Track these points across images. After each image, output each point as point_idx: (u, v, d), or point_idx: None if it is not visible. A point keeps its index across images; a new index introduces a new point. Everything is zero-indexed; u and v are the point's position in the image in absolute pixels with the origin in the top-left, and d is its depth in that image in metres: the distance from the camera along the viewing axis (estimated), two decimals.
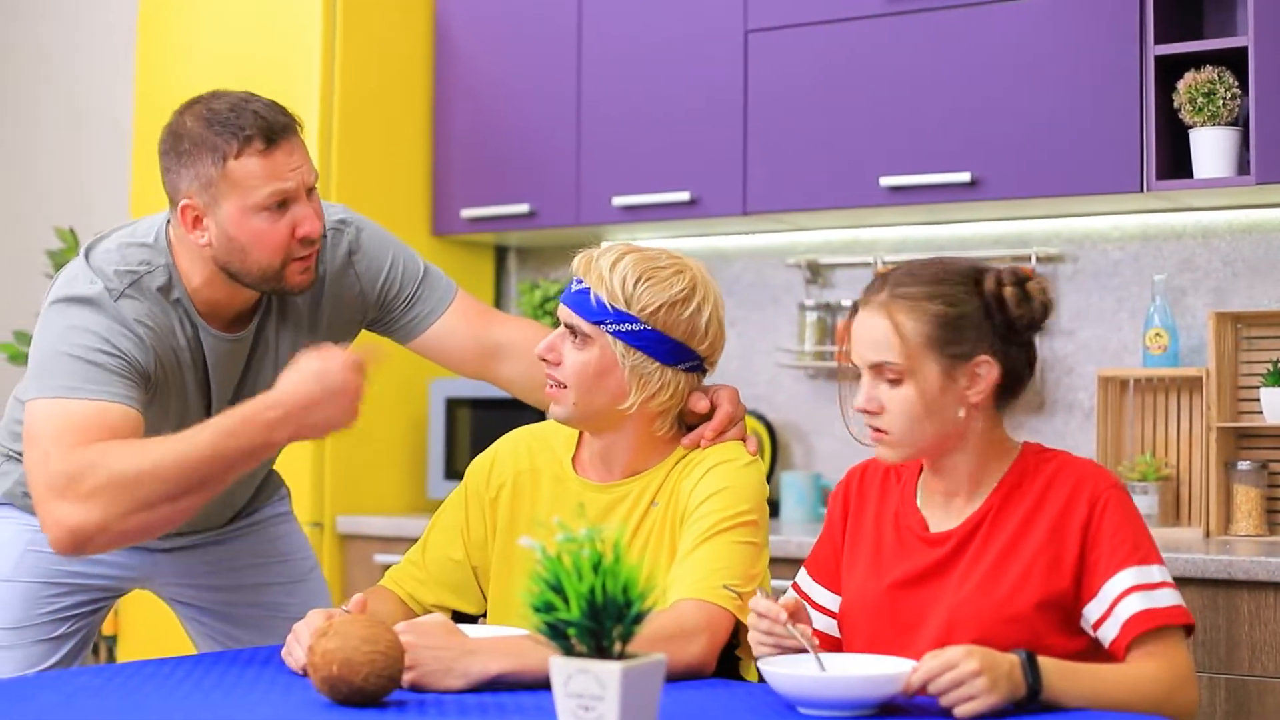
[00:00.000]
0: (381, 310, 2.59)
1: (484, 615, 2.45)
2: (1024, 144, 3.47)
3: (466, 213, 4.19)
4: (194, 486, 2.18)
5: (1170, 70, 3.34)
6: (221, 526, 2.66)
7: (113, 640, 4.41)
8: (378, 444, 4.10)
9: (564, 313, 2.31)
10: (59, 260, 4.73)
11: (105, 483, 2.13)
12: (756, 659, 2.03)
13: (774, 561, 3.32)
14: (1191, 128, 3.31)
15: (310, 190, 2.36)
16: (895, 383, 2.08)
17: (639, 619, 1.63)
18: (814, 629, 2.21)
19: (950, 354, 2.07)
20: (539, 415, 2.73)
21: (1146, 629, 2.00)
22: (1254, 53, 3.20)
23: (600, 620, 1.62)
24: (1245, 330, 3.47)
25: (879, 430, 2.11)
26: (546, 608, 1.63)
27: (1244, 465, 3.34)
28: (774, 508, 3.93)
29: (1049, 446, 2.19)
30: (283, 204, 2.31)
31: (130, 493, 2.14)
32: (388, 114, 4.16)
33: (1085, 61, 3.40)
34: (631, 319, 2.27)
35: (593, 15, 4.02)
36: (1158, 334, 3.47)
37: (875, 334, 2.09)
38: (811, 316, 3.98)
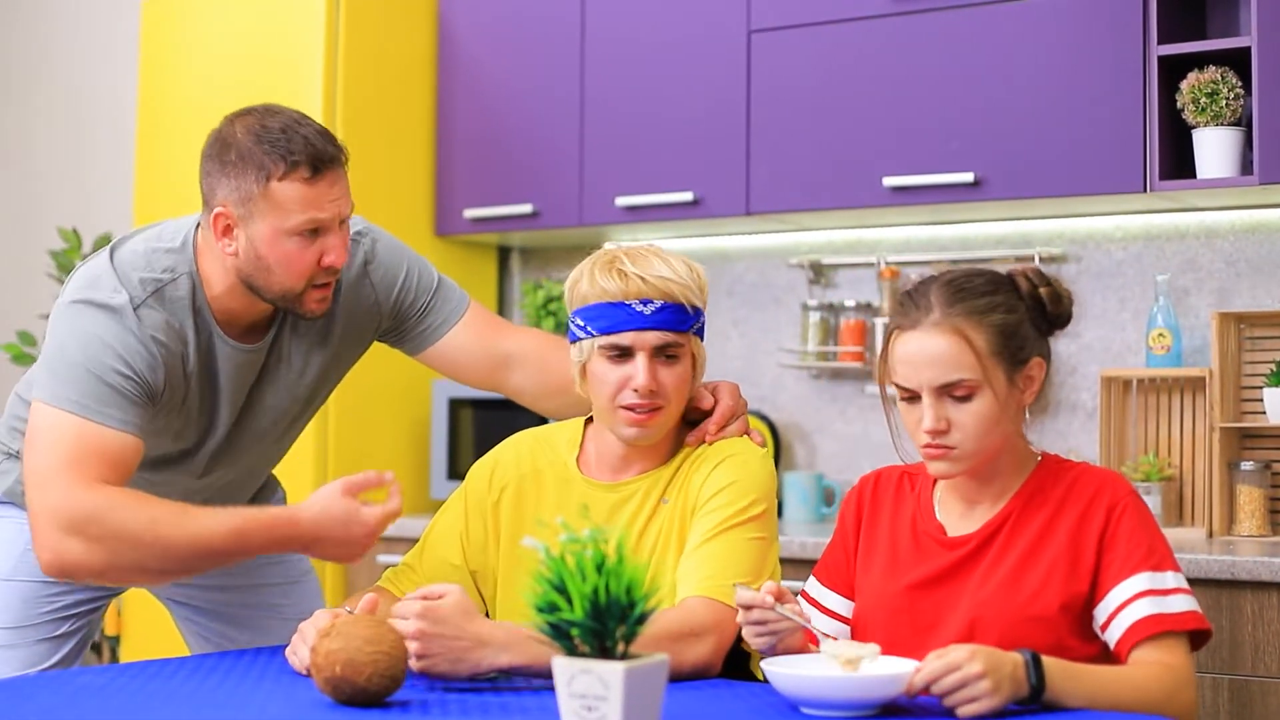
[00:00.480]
0: (395, 320, 2.60)
1: (485, 616, 2.45)
2: (1027, 144, 3.47)
3: (469, 213, 4.19)
4: (192, 567, 2.28)
5: (1173, 70, 3.34)
6: None
7: (115, 640, 4.41)
8: (381, 444, 4.10)
9: (650, 337, 2.26)
10: (62, 260, 4.73)
11: (114, 534, 2.18)
12: (752, 652, 2.03)
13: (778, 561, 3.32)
14: (1195, 128, 3.31)
15: (343, 221, 2.38)
16: (965, 398, 2.06)
17: (642, 619, 1.63)
18: (824, 634, 2.22)
19: (1016, 360, 2.09)
20: (541, 416, 2.74)
21: (1151, 634, 2.00)
22: (1257, 53, 3.19)
23: (603, 621, 1.62)
24: (1248, 330, 3.47)
25: (946, 448, 2.07)
26: (550, 608, 1.63)
27: (1247, 465, 3.34)
28: (777, 508, 3.92)
29: (1063, 456, 2.21)
30: (315, 231, 2.33)
31: (135, 553, 2.20)
32: (391, 114, 4.16)
33: (1088, 62, 3.40)
34: (701, 312, 2.33)
35: (596, 15, 4.02)
36: (1161, 334, 3.47)
37: (939, 353, 2.06)
38: (814, 317, 3.98)
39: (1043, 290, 2.12)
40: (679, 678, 2.04)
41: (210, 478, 2.54)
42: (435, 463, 4.14)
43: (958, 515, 2.17)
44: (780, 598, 2.01)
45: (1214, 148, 3.28)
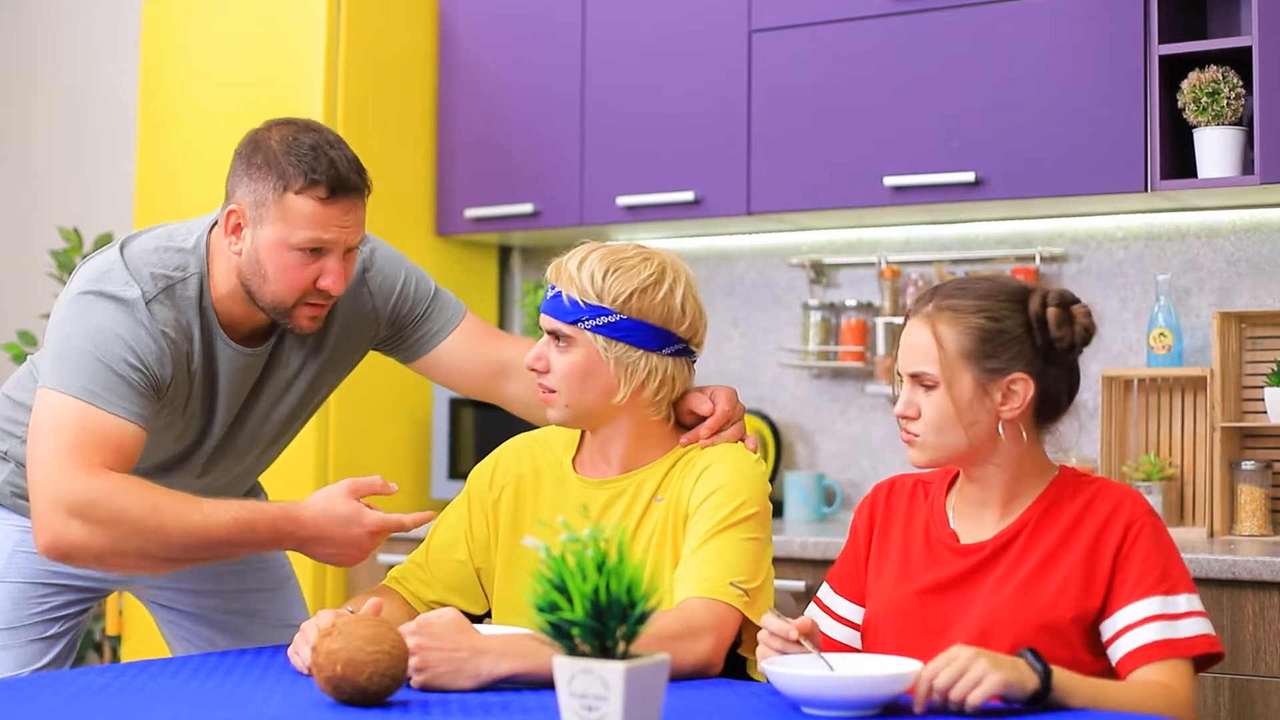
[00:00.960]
0: (393, 327, 2.62)
1: (488, 615, 2.45)
2: (1028, 144, 3.46)
3: (470, 213, 4.19)
4: (194, 556, 2.29)
5: (1174, 70, 3.34)
6: None
7: (116, 640, 4.41)
8: (382, 444, 4.10)
9: (545, 321, 2.34)
10: (62, 260, 4.73)
11: (116, 519, 2.20)
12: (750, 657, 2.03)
13: (778, 561, 3.32)
14: (1196, 127, 3.31)
15: (349, 250, 2.39)
16: (929, 390, 2.11)
17: (643, 619, 1.63)
18: (835, 640, 2.22)
19: (986, 368, 2.10)
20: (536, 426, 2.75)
21: (1155, 659, 2.00)
22: (1258, 52, 3.19)
23: (604, 620, 1.61)
24: (1249, 330, 3.47)
25: (910, 434, 2.14)
26: (550, 607, 1.63)
27: (1248, 465, 3.34)
28: (777, 508, 3.93)
29: (1063, 454, 2.22)
30: (317, 250, 2.35)
31: (136, 539, 2.21)
32: (392, 114, 4.15)
33: (1089, 61, 3.40)
34: (606, 311, 2.29)
35: (596, 15, 4.02)
36: (1162, 334, 3.47)
37: (917, 343, 2.13)
38: (815, 316, 3.98)
39: (1051, 311, 2.11)
40: (679, 678, 2.04)
41: (206, 479, 2.55)
42: (436, 463, 4.14)
43: (971, 524, 2.18)
44: (809, 635, 2.01)
45: (1215, 147, 3.28)
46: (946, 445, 2.12)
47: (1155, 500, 3.40)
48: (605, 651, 1.63)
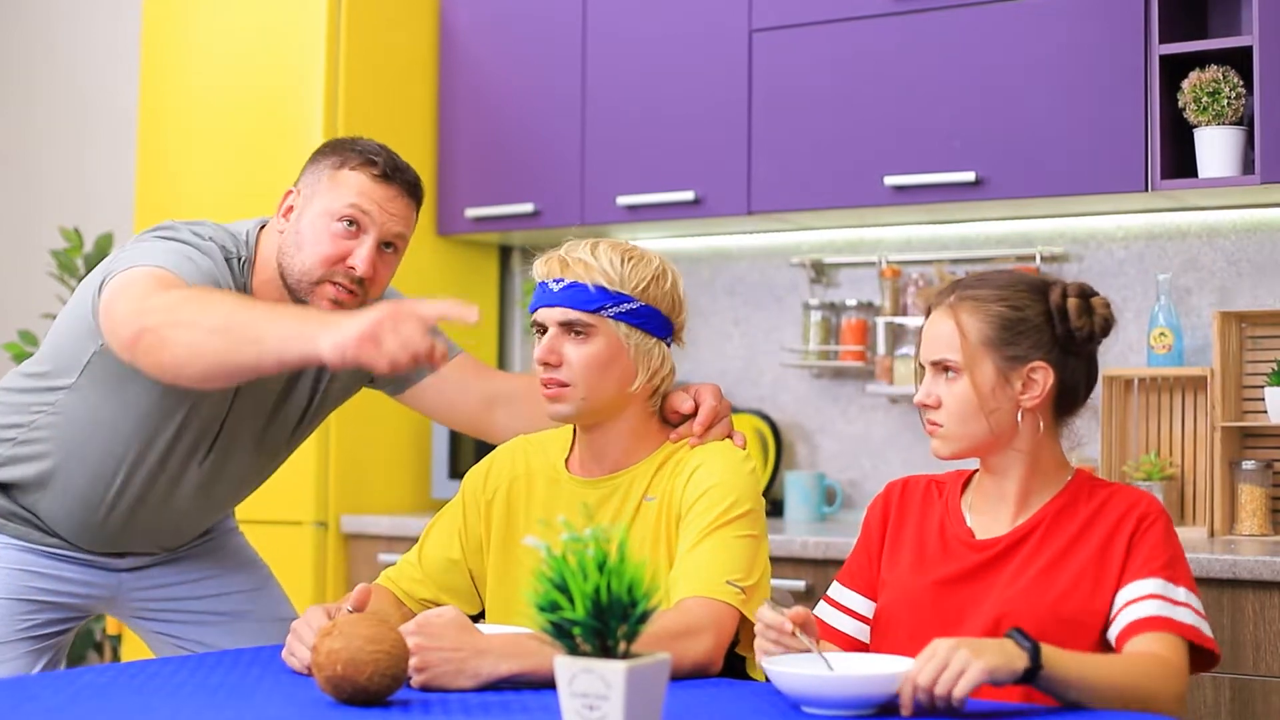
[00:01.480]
0: None
1: (481, 615, 2.45)
2: (1029, 143, 3.46)
3: (471, 212, 4.19)
4: (237, 328, 2.17)
5: (1175, 69, 3.34)
6: (178, 547, 2.70)
7: (116, 640, 4.41)
8: (382, 443, 4.10)
9: (556, 313, 2.31)
10: (63, 260, 4.73)
11: (184, 297, 2.25)
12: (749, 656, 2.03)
13: (778, 561, 3.32)
14: (1196, 127, 3.31)
15: (387, 245, 2.45)
16: (951, 378, 2.15)
17: (644, 618, 1.63)
18: (843, 633, 2.22)
19: (1007, 355, 2.14)
20: None
21: (1152, 630, 2.01)
22: (1259, 52, 3.19)
23: (605, 620, 1.61)
24: (1250, 330, 3.47)
25: (934, 424, 2.18)
26: (551, 607, 1.63)
27: (1249, 465, 3.34)
28: (778, 507, 3.93)
29: (1064, 453, 2.23)
30: (356, 229, 2.40)
31: (199, 309, 2.22)
32: (392, 114, 4.15)
33: (1090, 61, 3.40)
34: (628, 298, 2.30)
35: (597, 15, 4.02)
36: (1162, 333, 3.47)
37: (940, 332, 2.17)
38: (816, 316, 3.98)
39: (1071, 301, 2.16)
40: (679, 677, 2.04)
41: (207, 469, 2.56)
42: (436, 462, 4.14)
43: (988, 519, 2.20)
44: (804, 625, 2.01)
45: (1215, 147, 3.28)
46: (969, 435, 2.15)
47: None
48: (606, 651, 1.63)
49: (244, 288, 2.46)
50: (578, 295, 2.29)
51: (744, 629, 2.24)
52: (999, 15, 3.50)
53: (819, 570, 3.31)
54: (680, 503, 2.30)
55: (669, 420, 2.41)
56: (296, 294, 2.43)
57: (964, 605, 2.13)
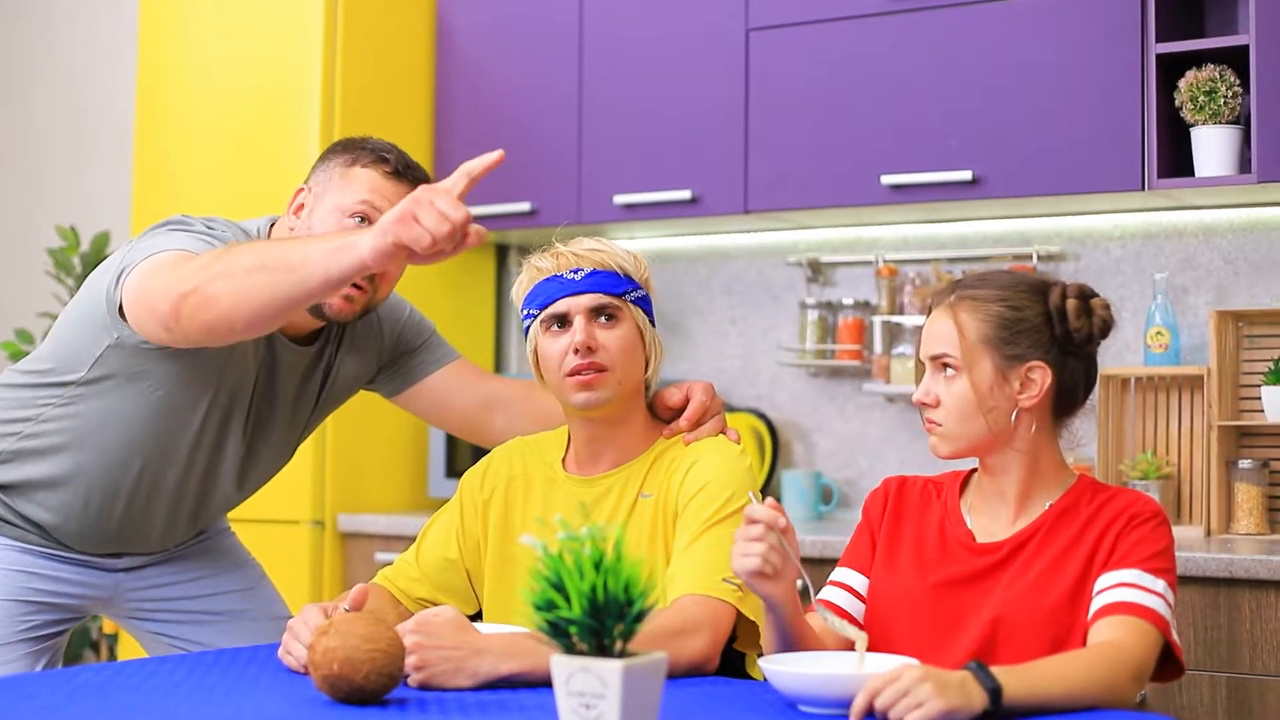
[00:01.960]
0: (394, 352, 2.68)
1: (478, 615, 2.45)
2: (1025, 142, 3.47)
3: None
4: (274, 260, 2.17)
5: (1171, 68, 3.34)
6: (173, 548, 2.71)
7: (113, 639, 4.41)
8: (379, 442, 4.10)
9: (585, 300, 2.30)
10: (60, 259, 4.72)
11: (218, 254, 2.23)
12: (737, 571, 2.00)
13: None
14: (1193, 126, 3.31)
15: None
16: (950, 376, 2.16)
17: (640, 617, 1.63)
18: (843, 609, 2.22)
19: (1006, 354, 2.14)
20: None
21: (1117, 614, 2.01)
22: (1255, 51, 3.19)
23: (601, 619, 1.61)
24: (1246, 329, 3.47)
25: (933, 422, 2.18)
26: (548, 606, 1.63)
27: (1245, 464, 3.34)
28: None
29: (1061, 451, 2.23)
30: (365, 222, 2.40)
31: (225, 258, 2.20)
32: (389, 112, 4.15)
33: (1086, 60, 3.40)
34: (639, 286, 2.36)
35: (594, 13, 4.02)
36: (1159, 332, 3.47)
37: (940, 331, 2.18)
38: (812, 315, 3.98)
39: (1070, 302, 2.16)
40: (676, 675, 2.04)
41: (242, 449, 2.58)
42: (433, 462, 4.14)
43: (988, 521, 2.20)
44: (787, 534, 1.99)
45: (1212, 146, 3.28)
46: (968, 434, 2.15)
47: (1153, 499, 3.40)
48: (603, 650, 1.63)
49: None
50: (606, 280, 2.31)
51: (741, 626, 2.24)
52: (995, 14, 3.50)
53: (816, 569, 3.31)
54: (676, 499, 2.30)
55: (661, 416, 2.42)
56: None
57: (963, 608, 2.13)
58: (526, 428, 2.57)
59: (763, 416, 4.03)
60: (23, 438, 2.50)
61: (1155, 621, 2.01)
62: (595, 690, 1.60)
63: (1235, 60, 3.28)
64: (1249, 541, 3.21)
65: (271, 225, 2.53)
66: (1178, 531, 3.35)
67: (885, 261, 3.92)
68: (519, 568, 2.35)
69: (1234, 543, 3.18)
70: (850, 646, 2.12)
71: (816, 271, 4.04)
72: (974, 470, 2.26)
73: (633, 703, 1.60)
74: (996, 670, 1.84)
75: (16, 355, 4.62)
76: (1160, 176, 3.31)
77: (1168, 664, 2.07)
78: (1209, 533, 3.34)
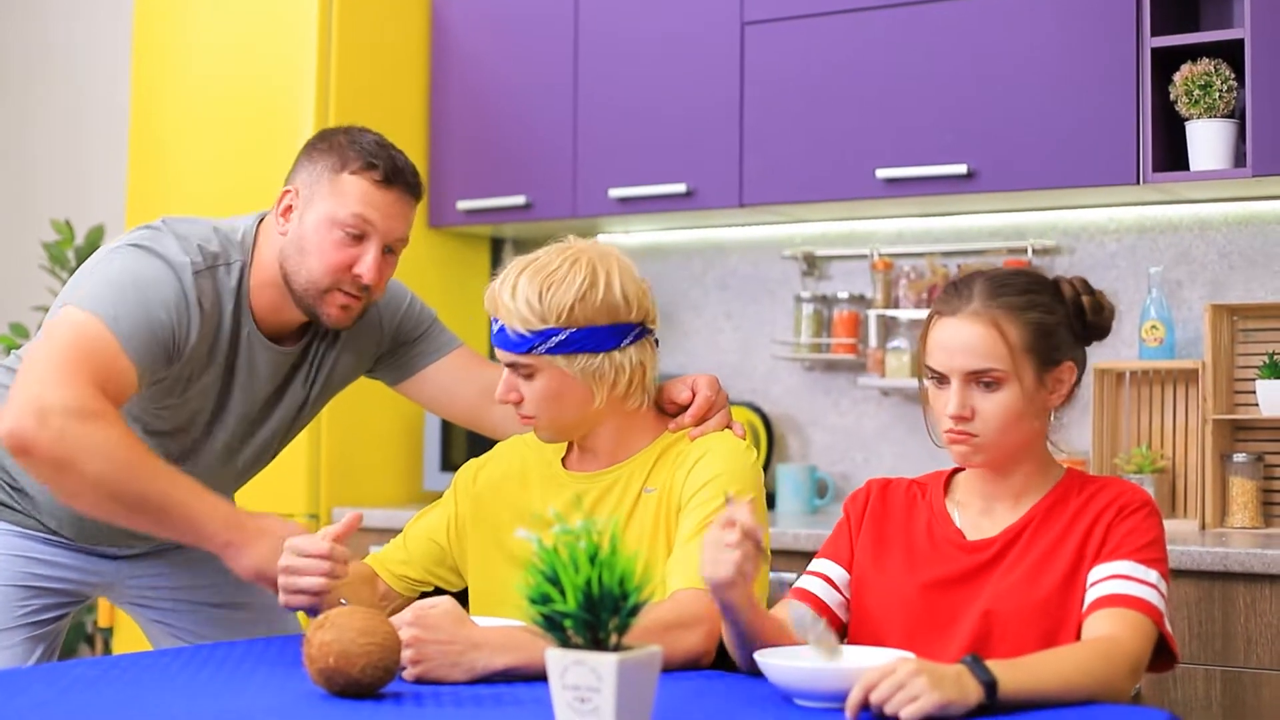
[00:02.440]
0: (394, 342, 2.67)
1: (464, 594, 2.46)
2: (1020, 136, 3.47)
3: (462, 205, 4.18)
4: (141, 504, 2.25)
5: (1167, 62, 3.34)
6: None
7: (108, 632, 4.41)
8: (374, 436, 4.10)
9: (500, 355, 2.31)
10: (54, 252, 4.72)
11: (93, 438, 2.19)
12: (707, 578, 1.97)
13: (770, 554, 3.32)
14: (1188, 120, 3.31)
15: (390, 249, 2.44)
16: (992, 388, 2.10)
17: (635, 611, 1.63)
18: (820, 600, 2.21)
19: (1046, 360, 2.12)
20: None
21: (1112, 606, 2.00)
22: (1250, 45, 3.19)
23: (596, 612, 1.61)
24: (1241, 322, 3.47)
25: (968, 434, 2.11)
26: (543, 599, 1.63)
27: (1240, 457, 3.35)
28: (770, 500, 3.93)
29: (1056, 447, 2.23)
30: (360, 237, 2.39)
31: (101, 463, 2.19)
32: (384, 106, 4.15)
33: (1082, 54, 3.40)
34: (554, 331, 2.24)
35: (589, 7, 4.01)
36: (1154, 326, 3.47)
37: (973, 341, 2.10)
38: (808, 309, 3.98)
39: (1085, 299, 2.16)
40: (671, 668, 2.04)
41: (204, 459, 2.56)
42: (428, 455, 4.14)
43: (978, 518, 2.19)
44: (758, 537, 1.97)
45: (1207, 140, 3.28)
46: (1007, 443, 2.11)
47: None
48: (598, 643, 1.63)
49: (238, 300, 2.43)
50: (507, 340, 2.27)
51: None
52: (990, 8, 3.50)
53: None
54: (681, 494, 2.29)
55: (667, 411, 2.41)
56: (303, 300, 2.43)
57: (956, 606, 2.12)
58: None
59: (758, 410, 4.03)
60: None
61: (1149, 613, 2.01)
62: (590, 684, 1.60)
63: (1230, 54, 3.28)
64: (1244, 535, 3.22)
65: (259, 222, 2.50)
66: (1172, 525, 3.36)
67: (880, 255, 3.92)
68: (512, 562, 2.35)
69: (1229, 536, 3.19)
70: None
71: (811, 265, 4.04)
72: (957, 469, 2.25)
73: (628, 696, 1.60)
74: (992, 664, 1.84)
75: (11, 349, 4.62)
76: (1155, 170, 3.31)
77: (1162, 654, 2.07)
78: (1204, 526, 3.34)
